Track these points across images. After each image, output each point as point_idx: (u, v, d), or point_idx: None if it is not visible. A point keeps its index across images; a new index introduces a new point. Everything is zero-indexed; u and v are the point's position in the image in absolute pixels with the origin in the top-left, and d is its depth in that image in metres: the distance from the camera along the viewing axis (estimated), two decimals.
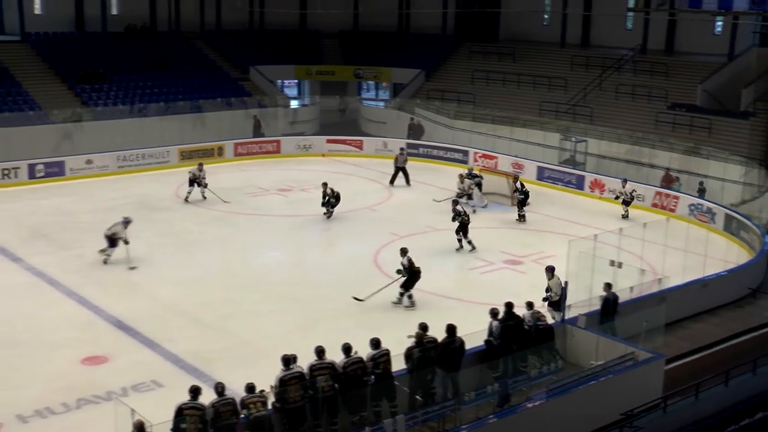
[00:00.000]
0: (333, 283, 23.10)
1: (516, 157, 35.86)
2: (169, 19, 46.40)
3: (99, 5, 44.03)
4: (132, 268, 23.64)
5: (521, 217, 28.88)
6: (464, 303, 21.21)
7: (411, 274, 20.89)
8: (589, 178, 33.30)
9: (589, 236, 19.42)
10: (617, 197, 29.86)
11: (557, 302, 18.37)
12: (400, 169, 34.06)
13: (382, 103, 50.04)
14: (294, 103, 48.42)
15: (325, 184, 28.53)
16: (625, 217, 29.25)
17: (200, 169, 30.87)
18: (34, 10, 44.27)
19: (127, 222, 24.23)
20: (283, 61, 47.99)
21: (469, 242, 25.52)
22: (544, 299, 18.69)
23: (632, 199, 29.37)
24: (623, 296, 18.17)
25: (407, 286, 20.96)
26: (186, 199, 30.65)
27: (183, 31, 46.68)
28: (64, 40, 43.16)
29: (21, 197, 30.89)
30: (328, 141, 39.94)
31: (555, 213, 29.40)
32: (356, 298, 20.98)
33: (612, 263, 18.35)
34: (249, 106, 42.46)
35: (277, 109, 42.80)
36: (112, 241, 23.91)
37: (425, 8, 49.10)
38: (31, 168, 32.89)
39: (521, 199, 28.98)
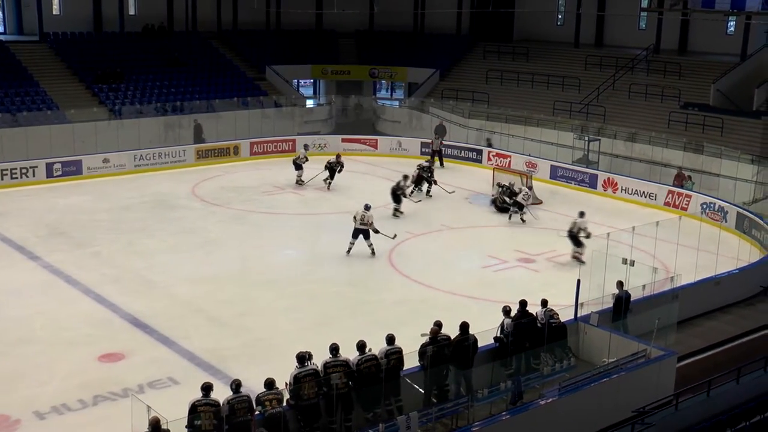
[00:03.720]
0: (348, 281, 23.29)
1: (530, 156, 35.97)
2: (186, 19, 46.60)
3: (117, 5, 44.25)
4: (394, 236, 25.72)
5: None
6: (478, 301, 21.30)
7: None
8: (602, 176, 33.33)
9: (602, 235, 19.44)
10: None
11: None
12: (435, 152, 36.31)
13: (396, 103, 50.12)
14: (309, 102, 48.62)
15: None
16: (300, 183, 32.92)
17: (337, 158, 33.25)
18: (53, 11, 44.57)
19: (368, 207, 25.34)
20: (299, 60, 48.10)
21: (420, 190, 31.29)
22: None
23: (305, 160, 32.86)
24: (636, 294, 18.15)
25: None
26: (328, 187, 32.94)
27: (200, 31, 46.84)
28: (82, 40, 43.41)
29: (39, 196, 31.10)
30: (344, 140, 40.03)
31: (568, 212, 29.33)
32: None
33: (624, 261, 18.32)
34: (265, 105, 42.65)
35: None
36: (365, 233, 24.97)
37: (440, 8, 49.06)
38: (49, 167, 33.09)
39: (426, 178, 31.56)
